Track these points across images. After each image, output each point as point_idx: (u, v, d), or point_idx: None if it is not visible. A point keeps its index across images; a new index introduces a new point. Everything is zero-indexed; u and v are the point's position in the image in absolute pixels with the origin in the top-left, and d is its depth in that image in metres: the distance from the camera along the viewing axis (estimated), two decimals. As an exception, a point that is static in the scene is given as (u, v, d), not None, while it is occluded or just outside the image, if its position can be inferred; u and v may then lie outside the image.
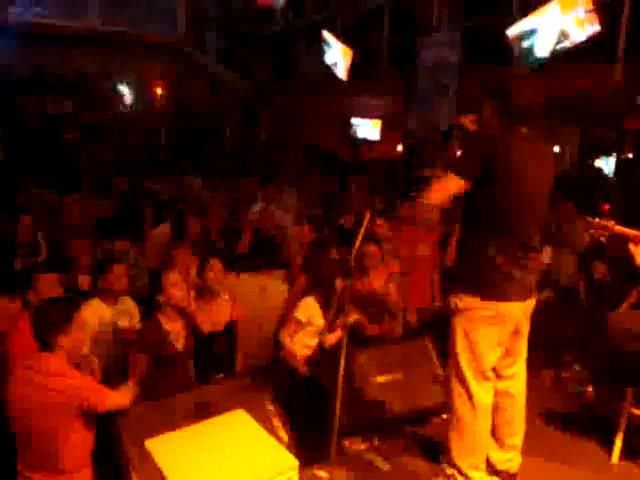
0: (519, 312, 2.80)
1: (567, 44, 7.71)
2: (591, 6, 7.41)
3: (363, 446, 3.45)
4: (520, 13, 8.66)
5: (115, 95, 13.07)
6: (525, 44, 8.25)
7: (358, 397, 3.51)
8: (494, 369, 2.91)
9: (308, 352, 3.91)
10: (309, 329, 3.92)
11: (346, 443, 3.40)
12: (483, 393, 2.86)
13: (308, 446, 2.96)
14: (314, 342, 3.92)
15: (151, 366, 3.32)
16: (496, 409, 2.96)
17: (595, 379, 4.23)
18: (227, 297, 4.02)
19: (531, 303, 2.86)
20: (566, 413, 3.85)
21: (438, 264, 5.19)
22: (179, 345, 3.50)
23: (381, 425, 3.54)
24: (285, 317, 4.09)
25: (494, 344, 2.81)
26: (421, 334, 4.14)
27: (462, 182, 2.65)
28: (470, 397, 2.85)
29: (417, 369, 3.81)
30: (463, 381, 2.85)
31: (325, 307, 3.93)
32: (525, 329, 2.91)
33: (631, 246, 3.06)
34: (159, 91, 13.47)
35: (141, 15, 12.93)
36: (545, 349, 2.99)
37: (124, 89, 13.22)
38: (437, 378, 3.86)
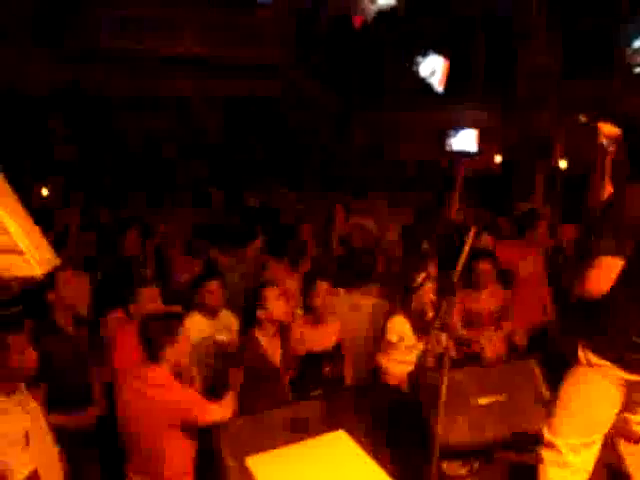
0: None
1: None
2: None
3: (463, 471, 3.31)
4: (630, 12, 8.17)
5: (210, 114, 13.62)
6: (636, 45, 7.74)
7: (458, 419, 3.37)
8: None
9: (404, 368, 3.80)
10: (402, 344, 3.82)
11: (445, 467, 3.28)
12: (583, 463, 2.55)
13: (407, 470, 2.87)
14: (409, 357, 3.81)
15: (249, 381, 3.36)
16: None
17: None
18: (334, 317, 4.00)
19: None
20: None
21: (546, 281, 4.92)
22: (276, 361, 3.52)
23: (482, 449, 3.38)
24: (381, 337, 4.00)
25: (617, 406, 2.53)
26: (528, 355, 3.94)
27: (621, 261, 2.33)
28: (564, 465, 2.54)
29: (522, 392, 3.61)
30: (557, 446, 2.55)
31: (416, 323, 3.82)
32: None
33: None
34: (251, 108, 13.86)
35: (235, 35, 13.40)
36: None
37: (219, 108, 13.74)
38: (543, 402, 3.64)
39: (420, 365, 3.74)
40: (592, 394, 2.52)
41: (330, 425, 2.74)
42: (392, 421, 3.26)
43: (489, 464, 3.35)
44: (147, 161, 12.25)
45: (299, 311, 4.02)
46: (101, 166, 11.45)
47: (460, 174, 9.61)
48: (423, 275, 3.89)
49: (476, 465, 3.35)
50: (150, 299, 3.71)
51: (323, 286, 3.90)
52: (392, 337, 3.80)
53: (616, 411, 2.55)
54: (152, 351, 2.84)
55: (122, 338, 3.48)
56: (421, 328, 3.85)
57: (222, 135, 13.65)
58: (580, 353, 2.56)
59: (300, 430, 2.81)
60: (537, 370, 3.74)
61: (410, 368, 3.78)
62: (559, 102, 9.85)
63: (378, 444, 2.88)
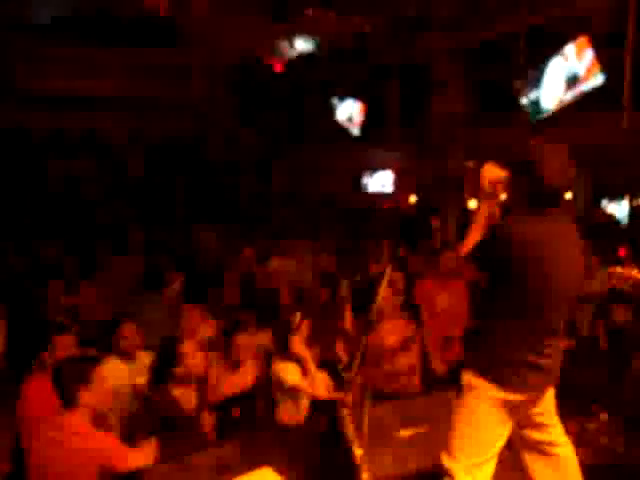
0: (535, 400, 2.65)
1: (572, 95, 7.89)
2: (595, 58, 7.61)
3: (388, 503, 3.34)
4: (527, 65, 8.91)
5: (135, 154, 13.43)
6: (532, 95, 8.44)
7: (381, 452, 3.43)
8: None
9: (298, 410, 3.89)
10: (293, 389, 3.89)
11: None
12: None
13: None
14: (301, 399, 3.89)
15: (165, 428, 3.30)
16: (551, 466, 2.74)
17: (627, 429, 4.08)
18: (251, 361, 4.05)
19: (551, 389, 2.70)
20: (595, 467, 3.72)
21: (465, 314, 5.10)
22: (190, 408, 3.48)
23: (405, 481, 3.44)
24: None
25: (501, 426, 2.60)
26: (445, 386, 4.07)
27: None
28: None
29: (442, 422, 3.73)
30: (453, 470, 2.61)
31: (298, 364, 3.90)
32: (549, 399, 2.74)
33: None
34: (174, 149, 13.77)
35: (159, 77, 13.40)
36: (567, 399, 2.89)
37: (143, 148, 13.59)
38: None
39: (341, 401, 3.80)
40: (474, 415, 2.60)
41: (255, 465, 2.73)
42: (316, 457, 3.27)
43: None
44: (68, 202, 11.82)
45: (215, 356, 4.04)
46: (18, 207, 10.92)
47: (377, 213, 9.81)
48: (298, 316, 3.99)
49: (399, 498, 3.39)
50: (65, 347, 3.59)
51: (243, 340, 4.03)
52: (285, 384, 3.85)
53: (502, 430, 2.61)
54: (67, 397, 2.73)
55: (34, 386, 3.33)
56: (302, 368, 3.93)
57: (144, 175, 13.44)
58: (462, 376, 2.66)
59: (225, 472, 2.78)
60: (455, 400, 3.88)
61: (303, 409, 3.87)
62: (467, 147, 10.48)
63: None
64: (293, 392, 3.89)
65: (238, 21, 11.94)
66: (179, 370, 3.47)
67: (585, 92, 7.79)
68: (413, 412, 3.67)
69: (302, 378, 3.90)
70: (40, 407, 3.11)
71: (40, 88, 11.98)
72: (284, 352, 3.95)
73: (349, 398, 3.78)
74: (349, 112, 12.29)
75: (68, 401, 2.73)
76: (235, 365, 3.99)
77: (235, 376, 3.96)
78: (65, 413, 2.73)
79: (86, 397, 2.73)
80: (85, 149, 12.99)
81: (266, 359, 4.20)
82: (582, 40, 7.70)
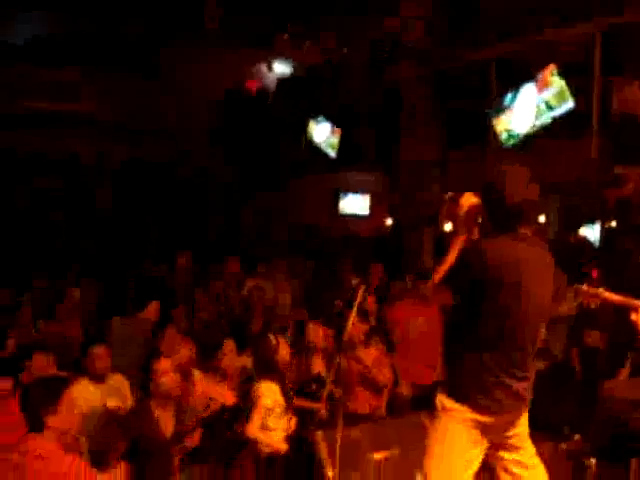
0: (509, 422, 2.66)
1: (544, 120, 8.11)
2: (564, 85, 7.87)
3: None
4: (498, 92, 9.15)
5: (106, 178, 13.34)
6: (503, 121, 8.65)
7: (354, 475, 3.41)
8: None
9: (277, 435, 3.83)
10: (277, 410, 3.84)
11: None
12: None
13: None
14: (281, 424, 3.84)
15: (138, 451, 3.25)
16: None
17: (597, 450, 4.12)
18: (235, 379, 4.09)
19: (524, 412, 2.72)
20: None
21: (439, 340, 5.12)
22: (167, 432, 3.43)
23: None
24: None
25: (476, 448, 2.62)
26: (417, 408, 4.08)
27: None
28: None
29: (414, 445, 3.72)
30: None
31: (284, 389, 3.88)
32: (523, 422, 2.75)
33: (633, 315, 2.76)
34: (147, 175, 13.67)
35: (132, 100, 13.39)
36: (541, 421, 2.91)
37: (114, 172, 13.51)
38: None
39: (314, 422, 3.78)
40: (448, 437, 2.61)
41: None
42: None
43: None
44: (34, 224, 11.63)
45: (197, 373, 3.98)
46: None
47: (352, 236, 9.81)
48: (273, 337, 3.98)
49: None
50: (43, 366, 3.56)
51: (229, 345, 4.12)
52: (267, 402, 3.77)
53: (477, 451, 2.63)
54: (33, 420, 2.66)
55: (4, 413, 3.25)
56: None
57: (113, 200, 13.31)
58: (436, 399, 2.68)
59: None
60: (428, 422, 3.88)
61: (282, 434, 3.82)
62: (442, 171, 10.64)
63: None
64: (279, 414, 3.83)
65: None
66: (151, 387, 3.45)
67: (556, 117, 8.02)
68: (385, 435, 3.67)
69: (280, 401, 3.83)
70: (5, 431, 3.03)
71: (10, 106, 11.91)
72: (264, 373, 3.90)
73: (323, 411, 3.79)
74: (326, 135, 12.41)
75: (34, 424, 2.66)
76: (221, 377, 4.01)
77: (220, 386, 3.94)
78: (30, 437, 2.66)
79: (53, 420, 2.66)
80: (54, 170, 12.85)
81: (246, 381, 4.17)
82: (551, 68, 7.95)
